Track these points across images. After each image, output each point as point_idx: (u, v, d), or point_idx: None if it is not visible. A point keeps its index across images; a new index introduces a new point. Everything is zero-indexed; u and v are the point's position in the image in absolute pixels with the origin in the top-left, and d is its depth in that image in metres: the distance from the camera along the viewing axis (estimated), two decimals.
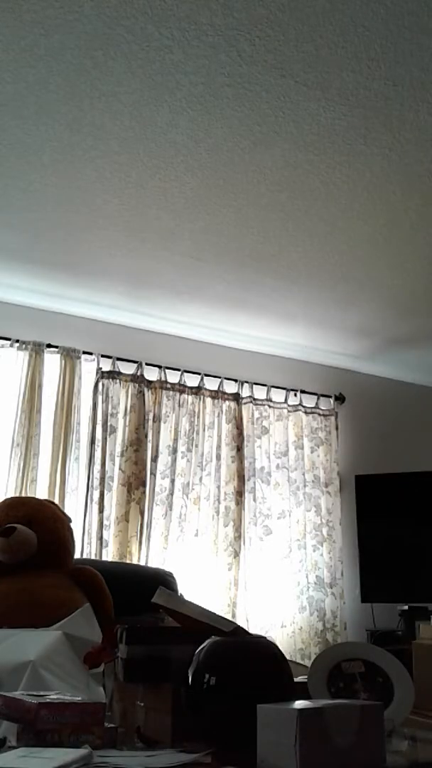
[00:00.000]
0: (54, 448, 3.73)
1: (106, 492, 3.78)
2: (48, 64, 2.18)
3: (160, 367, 4.14)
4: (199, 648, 1.31)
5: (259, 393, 4.46)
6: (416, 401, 5.12)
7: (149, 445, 3.98)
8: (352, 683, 1.48)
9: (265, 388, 4.48)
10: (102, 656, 1.66)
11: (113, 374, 3.98)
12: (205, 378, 4.27)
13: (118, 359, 4.02)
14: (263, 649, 1.33)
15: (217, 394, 4.29)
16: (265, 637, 1.41)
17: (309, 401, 4.62)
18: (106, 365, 3.99)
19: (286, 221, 3.05)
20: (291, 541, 4.29)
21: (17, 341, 3.77)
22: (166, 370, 4.15)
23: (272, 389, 4.51)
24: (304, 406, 4.57)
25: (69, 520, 2.49)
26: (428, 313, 3.98)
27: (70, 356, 3.88)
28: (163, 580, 2.79)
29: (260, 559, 4.15)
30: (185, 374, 4.21)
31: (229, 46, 2.10)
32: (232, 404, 4.32)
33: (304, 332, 4.31)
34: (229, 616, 3.87)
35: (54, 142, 2.56)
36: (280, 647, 1.46)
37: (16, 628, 1.87)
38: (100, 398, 3.92)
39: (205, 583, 3.93)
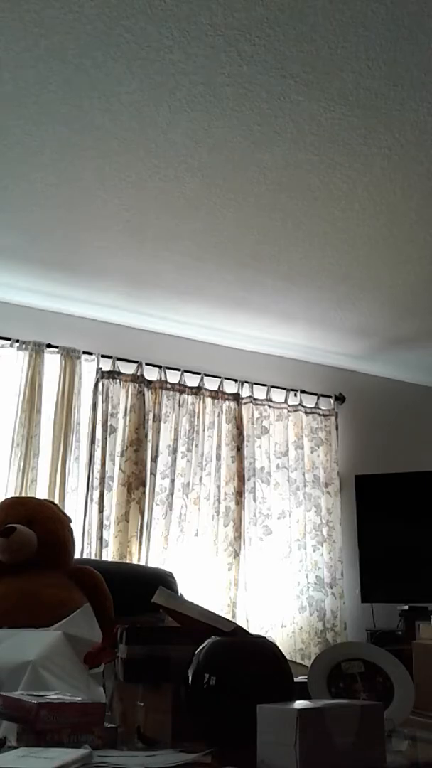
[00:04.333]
0: (54, 448, 3.73)
1: (106, 492, 3.78)
2: (48, 64, 2.18)
3: (160, 367, 4.14)
4: (199, 648, 1.31)
5: (259, 393, 4.46)
6: (416, 401, 5.12)
7: (149, 445, 3.98)
8: (352, 683, 1.48)
9: (265, 388, 4.48)
10: (102, 656, 1.66)
11: (113, 374, 3.98)
12: (205, 378, 4.27)
13: (118, 359, 4.02)
14: (263, 649, 1.33)
15: (217, 394, 4.29)
16: (265, 637, 1.41)
17: (309, 401, 4.62)
18: (106, 365, 3.99)
19: (286, 221, 3.05)
20: (291, 541, 4.29)
21: (17, 341, 3.77)
22: (166, 370, 4.15)
23: (272, 389, 4.51)
24: (304, 406, 4.57)
25: (69, 520, 2.49)
26: (428, 313, 3.98)
27: (70, 356, 3.88)
28: (163, 580, 2.79)
29: (260, 559, 4.15)
30: (185, 374, 4.21)
31: (229, 46, 2.10)
32: (232, 404, 4.32)
33: (304, 332, 4.31)
34: (229, 616, 3.87)
35: (54, 142, 2.56)
36: (280, 647, 1.46)
37: (16, 628, 1.87)
38: (100, 398, 3.92)
39: (205, 583, 3.93)
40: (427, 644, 3.09)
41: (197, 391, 4.22)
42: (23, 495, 3.52)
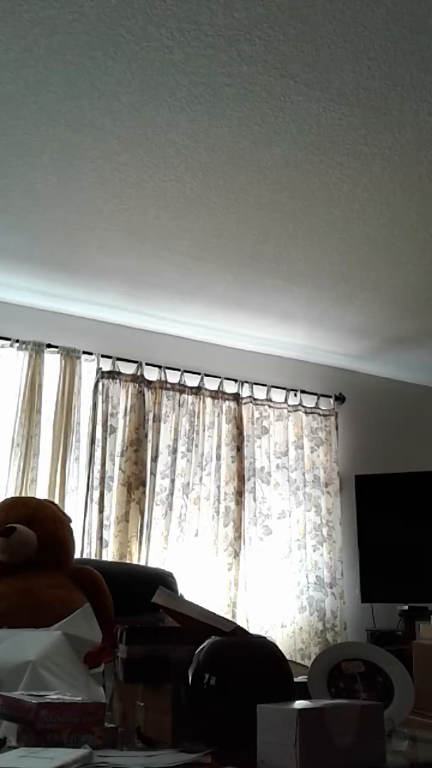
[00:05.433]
0: (54, 448, 3.73)
1: (106, 492, 3.78)
2: (48, 64, 2.18)
3: (160, 367, 4.14)
4: (199, 648, 1.31)
5: (259, 393, 4.46)
6: (416, 401, 5.12)
7: (149, 445, 3.98)
8: (352, 683, 1.48)
9: (265, 388, 4.49)
10: (102, 656, 1.66)
11: (113, 374, 3.99)
12: (205, 378, 4.28)
13: (118, 359, 4.02)
14: (263, 649, 1.33)
15: (217, 394, 4.29)
16: (265, 637, 1.41)
17: (309, 401, 4.62)
18: (106, 365, 3.99)
19: (286, 221, 3.05)
20: (291, 541, 4.29)
21: (17, 341, 3.78)
22: (166, 370, 4.15)
23: (272, 389, 4.51)
24: (304, 406, 4.57)
25: (69, 520, 2.49)
26: (428, 313, 3.98)
27: (70, 356, 3.88)
28: (163, 580, 2.79)
29: (260, 559, 4.15)
30: (185, 374, 4.21)
31: (229, 46, 2.10)
32: (232, 404, 4.32)
33: (304, 332, 4.31)
34: (229, 616, 3.87)
35: (54, 142, 2.56)
36: (280, 647, 1.46)
37: (16, 628, 1.87)
38: (100, 398, 3.92)
39: (205, 583, 3.93)
40: (427, 644, 3.09)
41: (197, 391, 4.22)
42: (23, 495, 3.52)
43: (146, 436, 3.98)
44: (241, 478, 4.20)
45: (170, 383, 4.14)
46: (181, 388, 4.17)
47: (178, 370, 4.20)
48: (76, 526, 2.63)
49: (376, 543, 4.26)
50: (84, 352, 3.95)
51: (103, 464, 3.81)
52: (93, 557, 3.59)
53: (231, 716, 1.21)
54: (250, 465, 4.26)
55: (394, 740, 1.35)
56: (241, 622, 3.91)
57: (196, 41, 2.09)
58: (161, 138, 2.52)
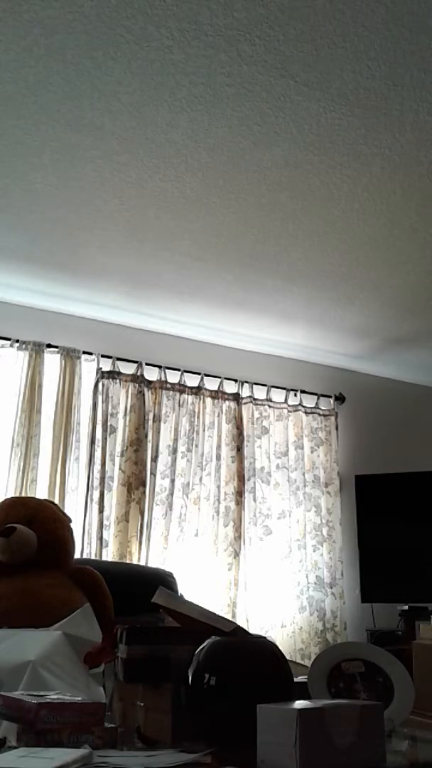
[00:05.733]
0: (54, 448, 3.73)
1: (106, 492, 3.78)
2: (48, 64, 2.18)
3: (160, 367, 4.14)
4: (199, 648, 1.31)
5: (259, 393, 4.46)
6: (416, 401, 5.12)
7: (149, 445, 3.98)
8: (352, 683, 1.48)
9: (265, 388, 4.49)
10: (102, 656, 1.66)
11: (113, 374, 3.98)
12: (205, 378, 4.28)
13: (118, 359, 4.02)
14: (263, 649, 1.33)
15: (217, 394, 4.29)
16: (265, 637, 1.41)
17: (309, 401, 4.62)
18: (106, 365, 3.99)
19: (286, 221, 3.05)
20: (291, 541, 4.29)
21: (17, 341, 3.78)
22: (166, 370, 4.15)
23: (272, 389, 4.51)
24: (304, 406, 4.57)
25: (69, 520, 2.49)
26: (428, 313, 3.98)
27: (70, 356, 3.88)
28: (163, 580, 2.79)
29: (260, 559, 4.15)
30: (185, 374, 4.21)
31: (229, 46, 2.10)
32: (232, 404, 4.32)
33: (304, 332, 4.31)
34: (229, 616, 3.87)
35: (54, 142, 2.56)
36: (280, 647, 1.46)
37: (16, 628, 1.87)
38: (100, 398, 3.92)
39: (205, 583, 3.93)
40: (427, 644, 3.09)
41: (197, 391, 4.22)
42: (23, 495, 3.52)
43: (146, 436, 3.98)
44: (241, 478, 4.20)
45: (170, 383, 4.14)
46: (181, 388, 4.17)
47: (178, 370, 4.20)
48: (76, 526, 2.63)
49: (376, 543, 4.26)
50: (84, 352, 3.95)
51: (103, 464, 3.81)
52: (93, 557, 3.59)
53: (231, 716, 1.21)
54: (250, 465, 4.26)
55: (394, 740, 1.35)
56: (241, 622, 3.91)
57: (196, 41, 2.09)
58: (161, 138, 2.52)
